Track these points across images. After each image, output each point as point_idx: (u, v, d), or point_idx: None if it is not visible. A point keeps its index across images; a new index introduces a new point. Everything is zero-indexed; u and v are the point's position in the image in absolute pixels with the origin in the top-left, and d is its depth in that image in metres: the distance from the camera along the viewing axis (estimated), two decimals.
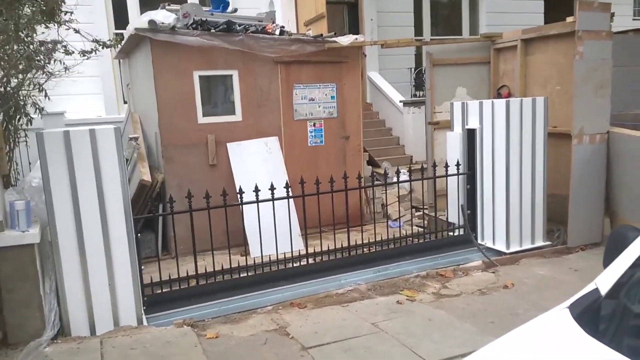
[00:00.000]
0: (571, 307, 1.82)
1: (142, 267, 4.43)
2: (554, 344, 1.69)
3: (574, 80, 5.64)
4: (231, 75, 6.48)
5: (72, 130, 3.85)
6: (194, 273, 4.78)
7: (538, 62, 6.61)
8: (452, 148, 6.06)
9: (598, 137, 5.78)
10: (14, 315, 3.78)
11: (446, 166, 5.78)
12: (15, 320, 3.78)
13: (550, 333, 1.75)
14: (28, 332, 3.80)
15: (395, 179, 8.57)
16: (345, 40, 6.62)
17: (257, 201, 4.82)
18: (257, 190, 4.77)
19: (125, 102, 10.35)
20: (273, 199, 4.89)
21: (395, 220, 7.12)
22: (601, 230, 5.91)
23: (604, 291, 1.85)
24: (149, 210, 6.19)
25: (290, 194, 5.05)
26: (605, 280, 1.93)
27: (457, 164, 5.80)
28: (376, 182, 5.64)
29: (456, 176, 5.84)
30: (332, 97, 7.04)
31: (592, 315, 1.74)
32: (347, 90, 7.13)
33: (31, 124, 7.33)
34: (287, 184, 5.01)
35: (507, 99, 5.66)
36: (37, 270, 3.80)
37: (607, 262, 2.20)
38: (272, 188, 4.84)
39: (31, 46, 6.04)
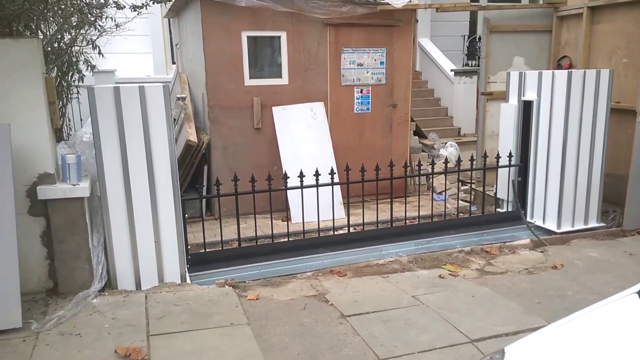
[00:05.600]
0: None
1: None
2: (623, 330, 1.57)
3: None
4: (279, 37, 6.35)
5: (122, 86, 3.86)
6: (237, 236, 4.82)
7: (605, 32, 6.18)
8: (506, 121, 5.79)
9: None
10: (64, 265, 3.90)
11: (497, 157, 5.58)
12: (65, 271, 3.91)
13: (618, 318, 1.63)
14: (77, 283, 3.92)
15: (441, 152, 8.34)
16: (399, 2, 6.35)
17: (302, 187, 4.81)
18: (301, 175, 4.78)
19: (173, 63, 10.42)
20: (317, 185, 4.86)
21: (440, 193, 6.95)
22: None
23: None
24: (190, 179, 6.25)
25: (335, 173, 4.99)
26: None
27: (509, 155, 5.58)
28: (422, 171, 5.51)
29: (507, 167, 5.62)
30: (382, 63, 6.81)
31: None
32: (398, 55, 6.88)
33: (83, 81, 7.47)
34: (332, 170, 4.97)
35: (569, 70, 5.33)
36: (86, 224, 3.90)
37: None
38: (316, 174, 4.82)
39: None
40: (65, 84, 6.70)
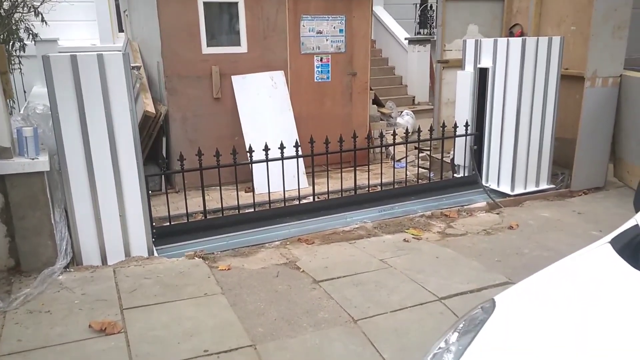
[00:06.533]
0: (613, 242, 1.86)
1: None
2: (599, 276, 1.74)
3: (592, 18, 5.46)
4: (236, 3, 6.18)
5: (79, 55, 3.68)
6: (201, 209, 4.78)
7: (554, 0, 6.38)
8: (462, 88, 5.94)
9: (611, 80, 5.68)
10: (26, 243, 3.76)
11: (455, 127, 5.75)
12: (28, 248, 3.77)
13: (594, 265, 1.79)
14: (40, 260, 3.79)
15: (398, 120, 8.47)
16: None
17: (267, 160, 4.80)
18: (266, 149, 4.76)
19: (120, 31, 9.97)
20: (282, 158, 4.85)
21: (400, 160, 7.10)
22: (605, 175, 5.95)
23: None
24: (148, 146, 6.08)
25: (300, 145, 5.01)
26: None
27: (466, 124, 5.76)
28: (385, 142, 5.59)
29: (464, 137, 5.81)
30: (341, 31, 6.79)
31: (634, 250, 1.78)
32: (357, 23, 6.87)
33: (24, 51, 7.06)
34: (296, 143, 4.98)
35: (524, 38, 5.50)
36: (47, 199, 3.74)
37: (638, 203, 2.22)
38: (282, 147, 4.81)
39: None
40: (6, 54, 6.31)
